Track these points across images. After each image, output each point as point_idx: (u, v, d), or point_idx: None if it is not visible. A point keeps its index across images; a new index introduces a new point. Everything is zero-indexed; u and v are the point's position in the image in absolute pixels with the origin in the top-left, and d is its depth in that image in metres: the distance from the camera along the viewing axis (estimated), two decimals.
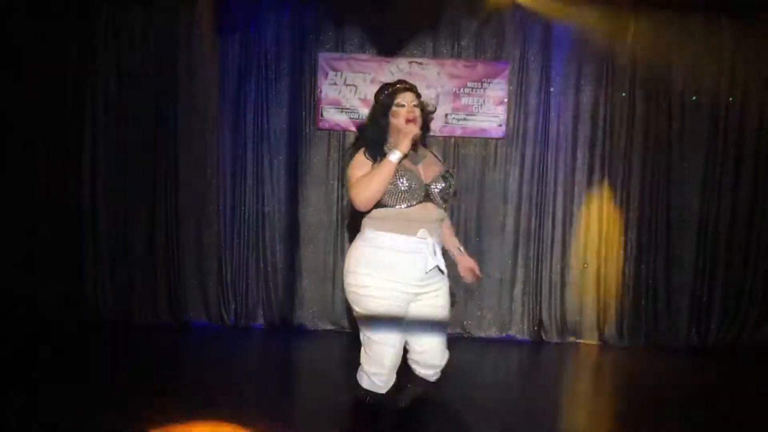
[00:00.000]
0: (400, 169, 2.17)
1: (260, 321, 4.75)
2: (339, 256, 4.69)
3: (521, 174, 4.73)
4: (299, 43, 4.59)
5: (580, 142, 4.70)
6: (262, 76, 4.59)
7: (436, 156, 2.44)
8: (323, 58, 4.62)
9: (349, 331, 4.61)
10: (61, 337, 4.24)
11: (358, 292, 2.24)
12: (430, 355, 2.36)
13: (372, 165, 2.20)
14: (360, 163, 2.25)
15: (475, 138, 4.73)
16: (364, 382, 2.34)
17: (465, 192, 4.72)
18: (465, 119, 4.70)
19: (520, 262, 4.75)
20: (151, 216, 4.65)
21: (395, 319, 2.24)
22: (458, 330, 4.69)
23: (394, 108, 2.27)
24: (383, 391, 2.32)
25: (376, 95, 2.36)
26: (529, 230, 4.73)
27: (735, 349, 4.65)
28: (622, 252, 4.72)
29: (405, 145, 2.15)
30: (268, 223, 4.69)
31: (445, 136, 4.71)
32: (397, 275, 2.21)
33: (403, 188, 2.17)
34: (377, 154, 2.22)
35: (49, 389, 3.13)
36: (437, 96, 4.65)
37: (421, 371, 2.42)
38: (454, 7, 4.61)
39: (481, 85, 4.68)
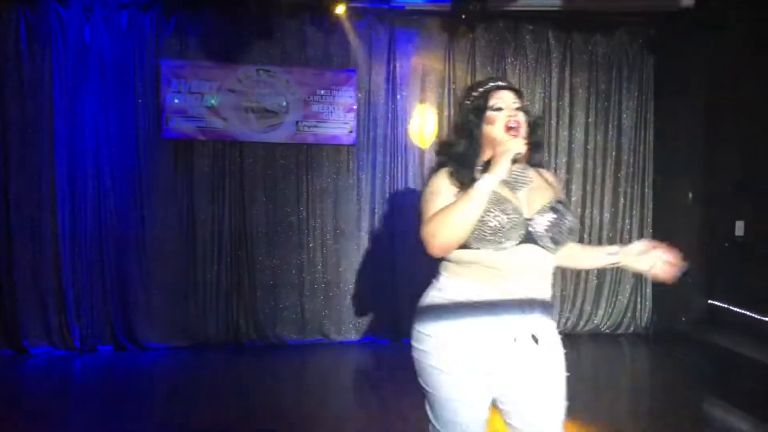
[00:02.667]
0: (490, 197, 1.56)
1: (109, 343, 4.49)
2: (192, 269, 4.57)
3: (373, 178, 4.82)
4: (138, 50, 4.45)
5: (427, 145, 4.87)
6: (99, 84, 4.41)
7: (547, 180, 1.76)
8: (165, 65, 4.50)
9: (213, 347, 4.55)
10: None
11: (419, 358, 1.65)
12: None
13: (457, 192, 1.60)
14: (438, 190, 1.64)
15: (327, 145, 4.78)
16: None
17: (320, 197, 4.77)
18: (316, 126, 4.74)
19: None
20: None
21: (468, 411, 1.60)
22: (318, 336, 4.70)
23: (488, 113, 1.67)
24: None
25: (462, 98, 1.77)
26: (384, 232, 4.82)
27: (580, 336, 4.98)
28: None
29: (502, 164, 1.54)
30: (111, 238, 4.46)
31: (297, 144, 4.73)
32: (469, 344, 1.58)
33: (492, 224, 1.56)
34: (466, 177, 1.61)
35: None
36: (287, 104, 4.67)
37: None
38: (299, 15, 4.65)
39: (331, 92, 4.74)
